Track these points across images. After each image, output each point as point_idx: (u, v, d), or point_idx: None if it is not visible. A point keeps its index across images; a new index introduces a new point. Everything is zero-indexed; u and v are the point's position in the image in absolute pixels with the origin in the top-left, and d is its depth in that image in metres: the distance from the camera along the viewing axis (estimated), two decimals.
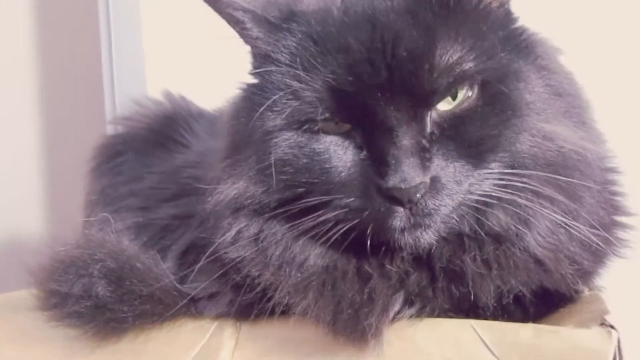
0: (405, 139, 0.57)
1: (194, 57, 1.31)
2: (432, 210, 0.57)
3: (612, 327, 0.55)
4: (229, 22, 0.66)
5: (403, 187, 0.55)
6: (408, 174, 0.56)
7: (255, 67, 0.67)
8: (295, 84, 0.60)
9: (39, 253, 0.74)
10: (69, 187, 1.13)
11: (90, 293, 0.67)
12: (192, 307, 0.71)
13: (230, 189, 0.66)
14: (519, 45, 0.63)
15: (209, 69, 1.19)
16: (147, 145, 0.98)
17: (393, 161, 0.56)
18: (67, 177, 1.14)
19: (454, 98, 0.59)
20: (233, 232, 0.66)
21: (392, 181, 0.56)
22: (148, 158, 0.96)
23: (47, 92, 1.57)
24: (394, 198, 0.57)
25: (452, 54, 0.58)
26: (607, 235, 0.65)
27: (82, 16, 1.48)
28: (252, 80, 0.68)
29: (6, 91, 1.54)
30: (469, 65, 0.58)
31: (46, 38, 1.56)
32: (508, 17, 0.65)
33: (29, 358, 0.69)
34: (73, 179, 1.07)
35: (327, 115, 0.60)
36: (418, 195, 0.56)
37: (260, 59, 0.65)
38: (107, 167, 0.99)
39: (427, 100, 0.58)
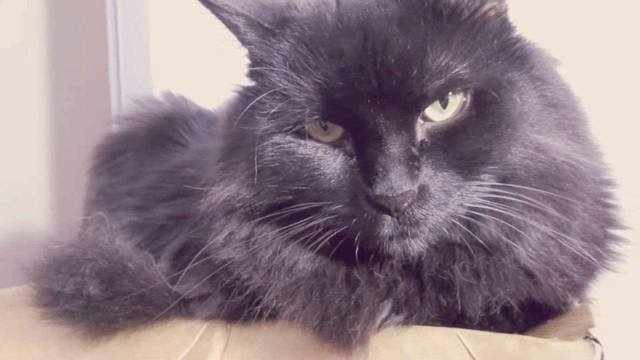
0: (394, 147, 0.57)
1: (200, 57, 1.30)
2: (419, 220, 0.57)
3: (596, 340, 0.55)
4: (225, 25, 0.66)
5: (390, 195, 0.55)
6: (395, 182, 0.55)
7: (250, 70, 0.67)
8: (287, 85, 0.60)
9: (35, 251, 0.74)
10: (74, 185, 1.14)
11: (82, 292, 0.67)
12: (183, 308, 0.71)
13: (223, 192, 0.66)
14: (514, 54, 0.62)
15: (215, 70, 1.19)
16: (146, 144, 0.98)
17: (381, 169, 0.56)
18: (72, 176, 1.15)
19: (445, 106, 0.59)
20: (224, 234, 0.66)
21: (379, 189, 0.56)
22: (147, 158, 0.96)
23: (55, 92, 1.58)
24: (381, 206, 0.56)
25: (443, 59, 0.57)
26: (598, 249, 0.64)
27: (90, 18, 1.50)
28: (248, 82, 0.68)
29: (16, 90, 1.55)
30: (461, 70, 0.58)
31: (55, 39, 1.57)
32: (504, 26, 0.64)
33: (24, 357, 0.69)
34: (79, 177, 1.08)
35: (315, 115, 0.59)
36: (405, 204, 0.56)
37: (255, 62, 0.65)
38: (106, 167, 1.00)
39: (416, 105, 0.58)
